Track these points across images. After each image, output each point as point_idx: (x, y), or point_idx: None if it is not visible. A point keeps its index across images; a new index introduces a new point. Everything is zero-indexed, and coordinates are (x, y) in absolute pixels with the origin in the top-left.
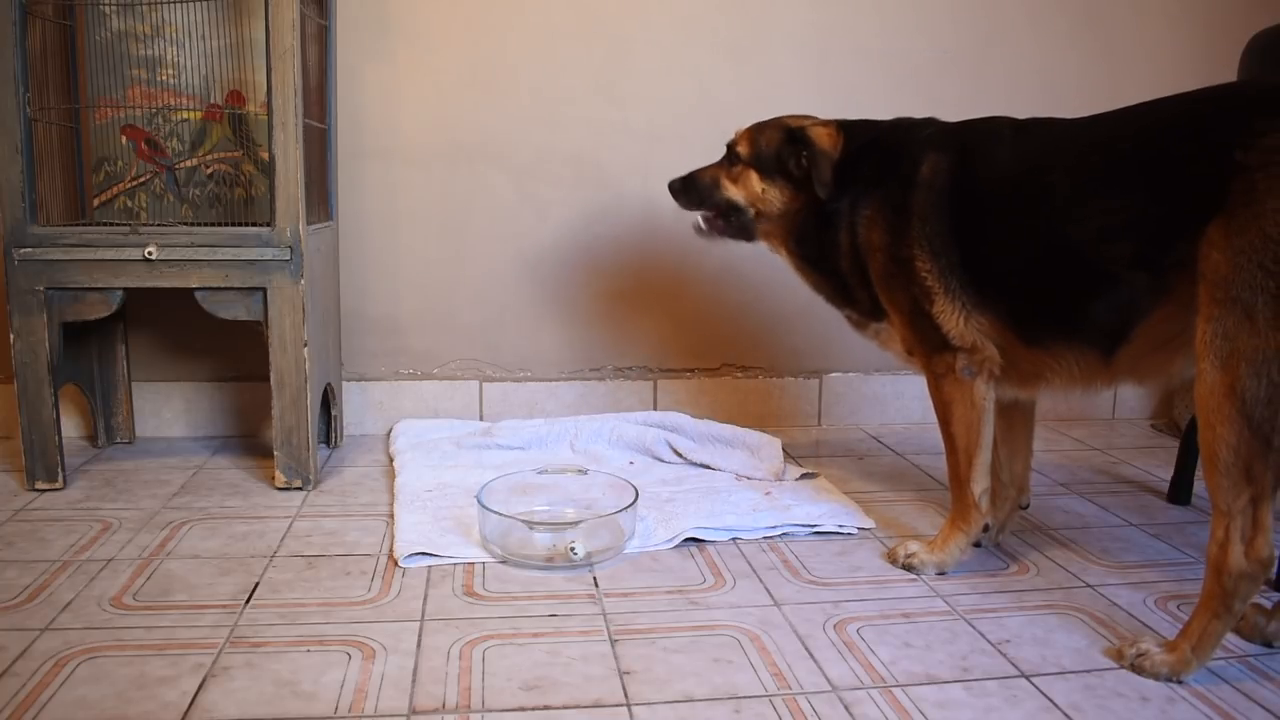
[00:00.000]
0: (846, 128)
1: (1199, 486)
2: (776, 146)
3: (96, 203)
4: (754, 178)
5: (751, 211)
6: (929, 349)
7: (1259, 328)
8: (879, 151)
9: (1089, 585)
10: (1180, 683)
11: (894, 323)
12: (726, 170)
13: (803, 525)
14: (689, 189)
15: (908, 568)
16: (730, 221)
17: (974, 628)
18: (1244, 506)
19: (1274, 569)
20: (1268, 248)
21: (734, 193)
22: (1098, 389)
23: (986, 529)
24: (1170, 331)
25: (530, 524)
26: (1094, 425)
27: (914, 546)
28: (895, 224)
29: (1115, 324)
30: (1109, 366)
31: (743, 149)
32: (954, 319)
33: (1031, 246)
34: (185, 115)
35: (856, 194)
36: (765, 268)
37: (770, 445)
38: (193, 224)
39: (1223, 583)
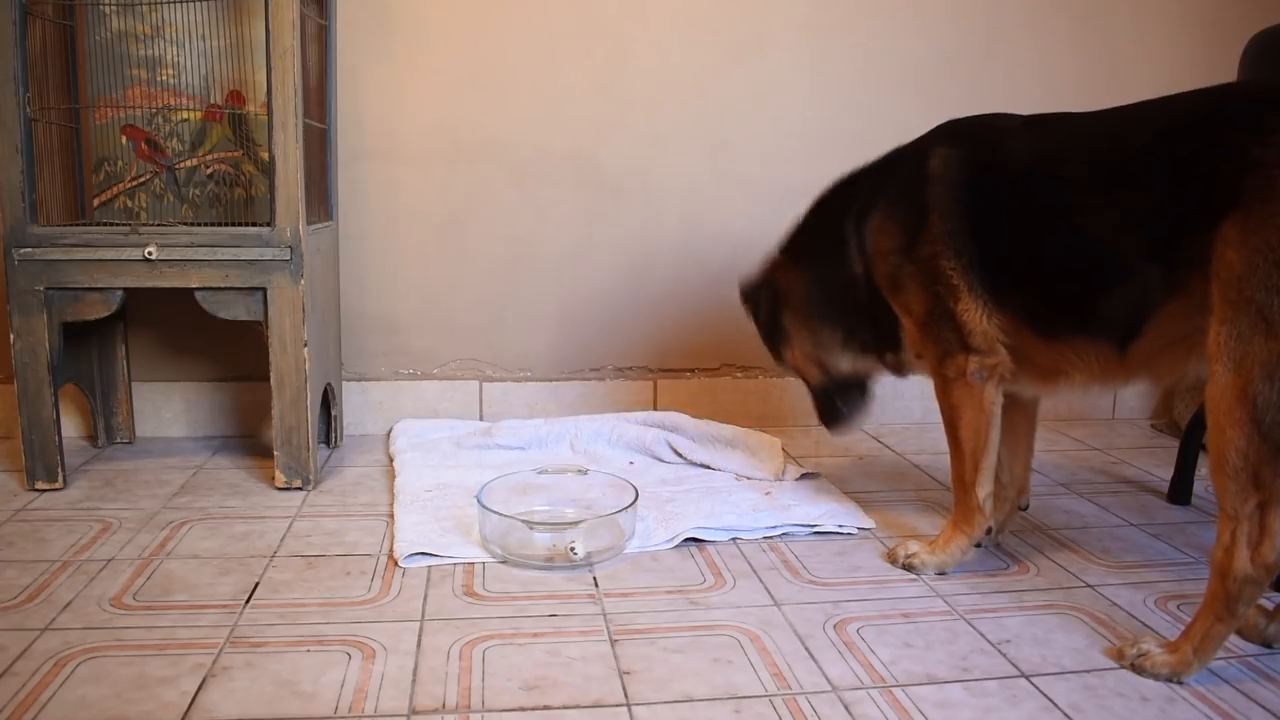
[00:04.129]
0: (828, 191)
1: (1199, 487)
2: (762, 315)
3: (96, 203)
4: (797, 345)
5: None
6: (940, 352)
7: (1274, 329)
8: (875, 166)
9: (1089, 585)
10: (1181, 683)
11: (905, 326)
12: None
13: (803, 525)
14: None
15: (908, 568)
16: (845, 392)
17: (974, 628)
18: (1251, 511)
19: (1277, 572)
20: None
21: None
22: (1115, 385)
23: (989, 531)
24: (1182, 329)
25: (530, 524)
26: (1094, 425)
27: (914, 547)
28: (910, 222)
29: (1127, 317)
30: (1123, 361)
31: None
32: (977, 317)
33: (1047, 239)
34: (185, 115)
35: (859, 211)
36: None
37: (770, 445)
38: (193, 224)
39: (1227, 587)
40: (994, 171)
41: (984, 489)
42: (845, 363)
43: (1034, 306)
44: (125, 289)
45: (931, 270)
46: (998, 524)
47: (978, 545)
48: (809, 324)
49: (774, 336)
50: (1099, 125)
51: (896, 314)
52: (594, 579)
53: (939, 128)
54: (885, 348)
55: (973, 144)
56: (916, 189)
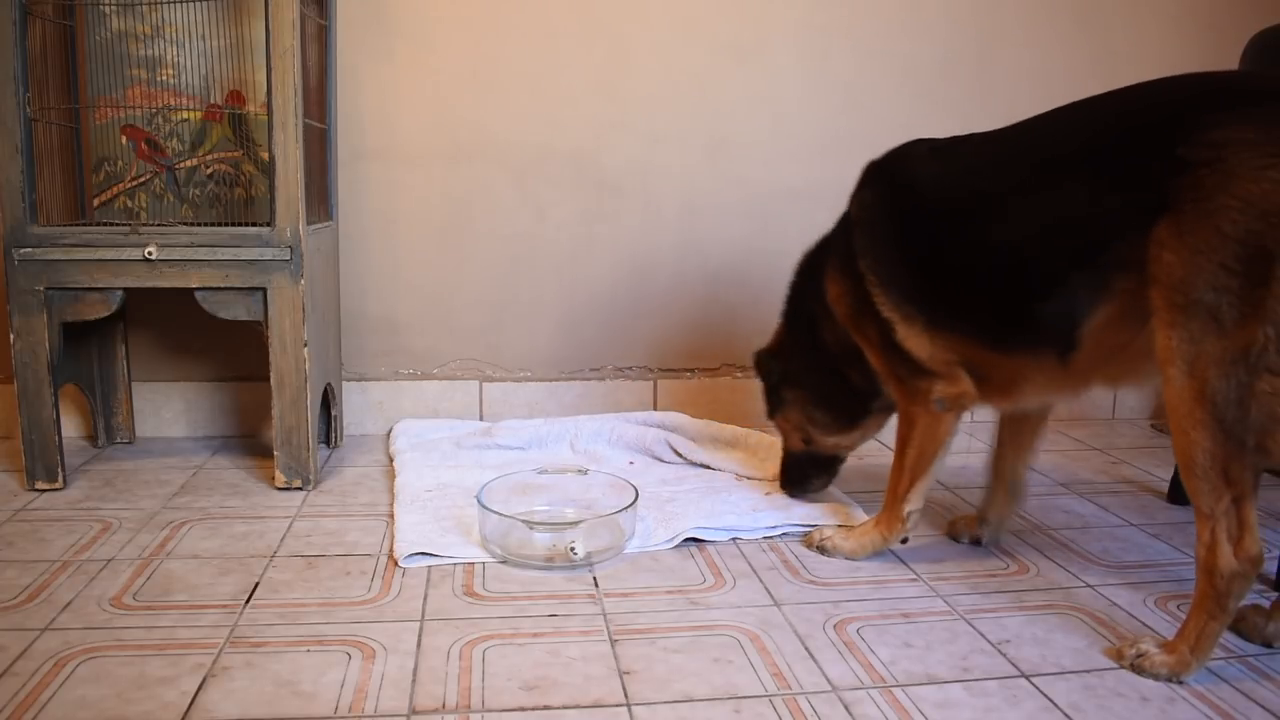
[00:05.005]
0: (802, 260)
1: None
2: (769, 388)
3: (96, 203)
4: (791, 417)
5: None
6: (902, 375)
7: (1226, 329)
8: (836, 224)
9: (1089, 585)
10: (1180, 683)
11: (869, 357)
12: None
13: (803, 525)
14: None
15: (821, 550)
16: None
17: (974, 628)
18: (1226, 508)
19: (1263, 564)
20: (1225, 246)
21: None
22: (1070, 395)
23: (905, 541)
24: (1120, 338)
25: (530, 524)
26: (1094, 425)
27: (829, 531)
28: (846, 268)
29: (1062, 325)
30: (1068, 371)
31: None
32: (920, 342)
33: (975, 252)
34: (185, 115)
35: (815, 274)
36: (765, 268)
37: (770, 445)
38: (193, 224)
39: (1215, 584)
40: (912, 200)
41: (912, 505)
42: (831, 439)
43: (976, 320)
44: (125, 289)
45: (870, 307)
46: (995, 523)
47: (974, 542)
48: (805, 399)
49: (773, 402)
50: (1018, 133)
51: (871, 363)
52: (594, 579)
53: (862, 172)
54: (873, 398)
55: (887, 181)
56: (845, 237)
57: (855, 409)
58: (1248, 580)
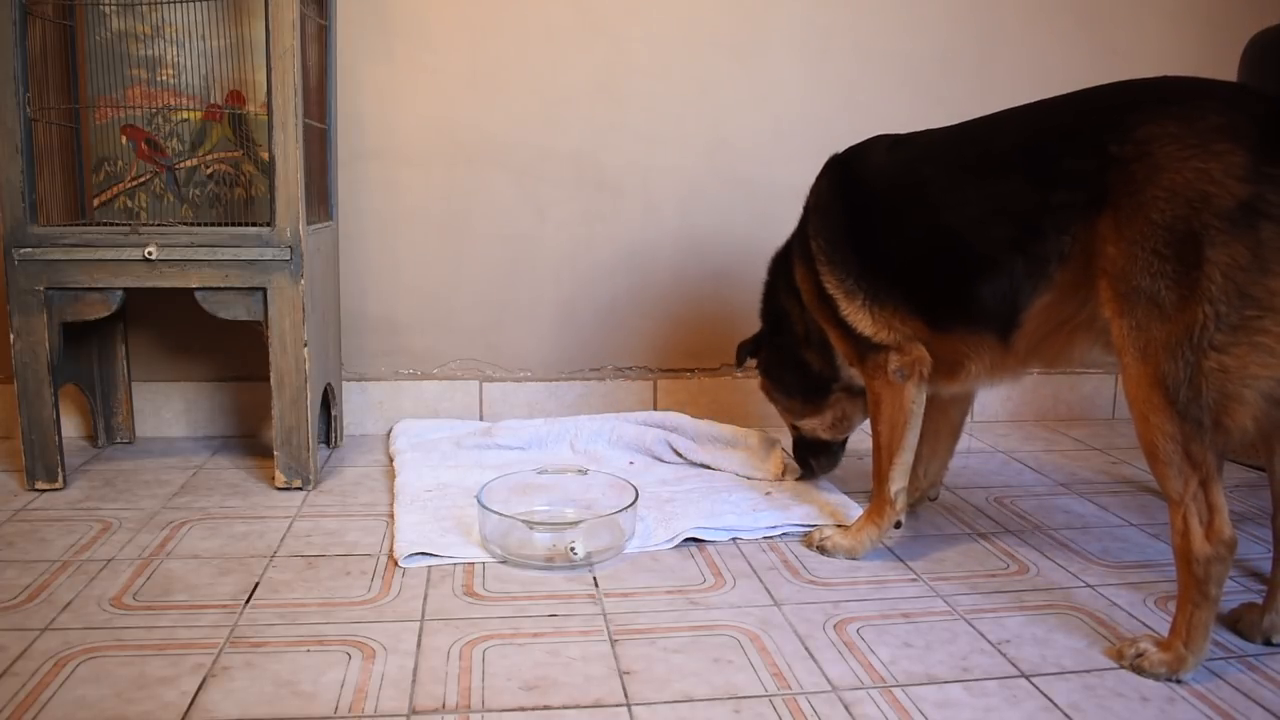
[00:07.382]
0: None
1: None
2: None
3: (96, 203)
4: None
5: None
6: (860, 352)
7: (1166, 312)
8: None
9: (1089, 585)
10: (1180, 681)
11: (832, 339)
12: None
13: (803, 525)
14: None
15: (821, 550)
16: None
17: (974, 628)
18: (1194, 491)
19: (1238, 547)
20: (1157, 233)
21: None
22: (1010, 375)
23: (898, 525)
24: (1061, 316)
25: (530, 524)
26: (1094, 425)
27: (829, 531)
28: (805, 254)
29: (1004, 308)
30: (1010, 351)
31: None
32: (863, 317)
33: (916, 237)
34: (185, 115)
35: (783, 268)
36: (765, 268)
37: (770, 445)
38: (193, 224)
39: (1193, 571)
40: (863, 184)
41: (896, 484)
42: (802, 423)
43: (919, 300)
44: (125, 289)
45: (822, 288)
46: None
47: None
48: (776, 389)
49: (767, 393)
50: (962, 131)
51: (834, 346)
52: (594, 579)
53: (824, 164)
54: (832, 381)
55: (843, 169)
56: (803, 224)
57: (814, 391)
58: (1224, 564)
